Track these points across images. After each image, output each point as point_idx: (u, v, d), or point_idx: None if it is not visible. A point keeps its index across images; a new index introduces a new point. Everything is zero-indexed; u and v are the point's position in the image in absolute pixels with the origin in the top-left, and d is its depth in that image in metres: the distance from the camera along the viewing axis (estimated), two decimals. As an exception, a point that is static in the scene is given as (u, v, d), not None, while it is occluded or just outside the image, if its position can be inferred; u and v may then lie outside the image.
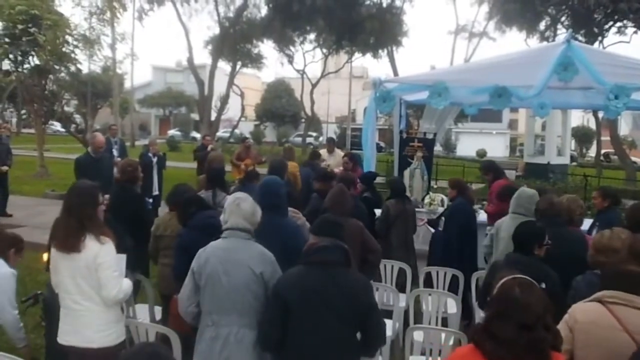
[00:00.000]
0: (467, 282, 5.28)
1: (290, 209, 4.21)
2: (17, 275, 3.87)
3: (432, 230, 6.88)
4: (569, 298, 3.04)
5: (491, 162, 7.89)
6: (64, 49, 15.19)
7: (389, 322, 4.50)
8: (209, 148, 11.29)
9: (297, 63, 30.36)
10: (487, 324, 2.02)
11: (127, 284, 3.33)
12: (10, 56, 14.70)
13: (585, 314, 2.47)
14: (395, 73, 22.88)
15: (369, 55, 26.09)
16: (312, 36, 26.62)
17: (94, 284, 3.14)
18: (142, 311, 4.57)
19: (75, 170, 7.53)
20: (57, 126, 34.30)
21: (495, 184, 6.77)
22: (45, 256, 3.66)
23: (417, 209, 8.36)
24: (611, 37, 20.20)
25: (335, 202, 4.47)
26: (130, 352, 1.98)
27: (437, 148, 19.05)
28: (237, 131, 31.52)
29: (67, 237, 3.12)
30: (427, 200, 8.67)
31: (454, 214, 6.17)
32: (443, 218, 6.51)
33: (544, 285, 3.30)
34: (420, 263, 6.25)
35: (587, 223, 5.37)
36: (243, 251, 3.04)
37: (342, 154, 10.71)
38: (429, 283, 5.32)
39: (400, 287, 5.25)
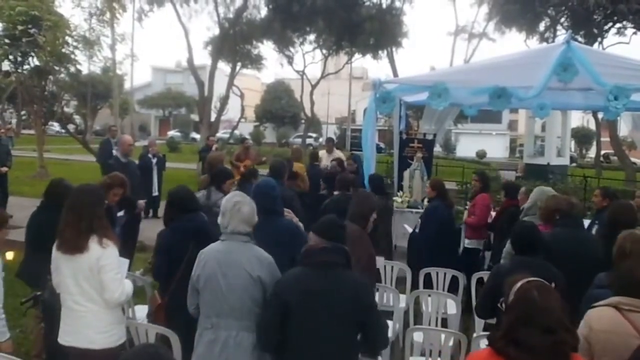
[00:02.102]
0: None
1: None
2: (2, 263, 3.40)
3: (410, 230, 6.96)
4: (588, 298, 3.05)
5: (485, 174, 7.91)
6: (63, 50, 15.19)
7: (389, 323, 4.51)
8: (214, 148, 11.31)
9: (297, 64, 30.47)
10: (508, 330, 2.00)
11: (129, 286, 3.33)
12: (10, 57, 14.70)
13: (601, 322, 2.44)
14: (395, 74, 22.84)
15: (368, 56, 26.09)
16: (311, 37, 26.59)
17: (97, 286, 3.14)
18: (142, 312, 4.57)
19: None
20: (57, 127, 34.26)
21: (479, 197, 6.73)
22: (9, 255, 3.54)
23: (416, 210, 8.40)
24: (611, 38, 20.28)
25: (354, 205, 4.45)
26: (131, 352, 1.97)
27: (437, 149, 19.05)
28: (236, 132, 31.45)
29: (76, 238, 3.12)
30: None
31: (431, 215, 6.29)
32: (419, 220, 6.61)
33: (553, 285, 3.33)
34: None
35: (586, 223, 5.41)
36: (240, 254, 3.04)
37: (341, 154, 10.76)
38: (428, 284, 5.33)
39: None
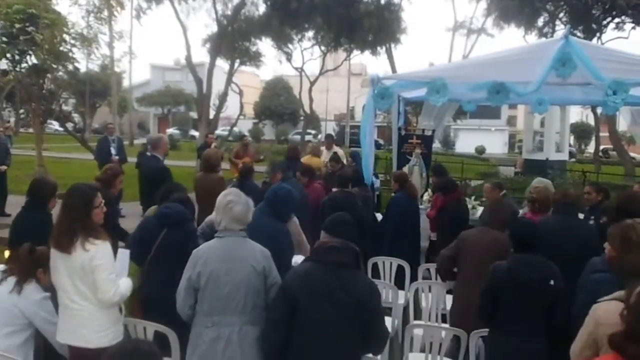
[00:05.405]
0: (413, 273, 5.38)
1: None
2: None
3: None
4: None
5: (441, 166, 7.99)
6: (61, 48, 15.12)
7: (388, 320, 4.51)
8: (213, 146, 11.29)
9: (296, 61, 30.31)
10: (629, 328, 2.04)
11: (125, 286, 3.31)
12: (8, 55, 14.63)
13: (608, 316, 2.43)
14: (394, 70, 22.85)
15: (367, 53, 26.04)
16: (310, 34, 26.55)
17: (91, 285, 3.14)
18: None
19: (162, 182, 6.95)
20: (56, 125, 34.29)
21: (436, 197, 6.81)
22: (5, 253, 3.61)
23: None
24: (609, 32, 20.19)
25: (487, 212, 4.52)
26: (112, 350, 1.98)
27: (436, 145, 18.95)
28: (235, 129, 31.41)
29: (59, 236, 3.15)
30: (426, 197, 8.68)
31: (391, 207, 6.41)
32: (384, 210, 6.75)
33: (552, 282, 3.32)
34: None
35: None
36: (243, 249, 3.06)
37: (341, 150, 10.77)
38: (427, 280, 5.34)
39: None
